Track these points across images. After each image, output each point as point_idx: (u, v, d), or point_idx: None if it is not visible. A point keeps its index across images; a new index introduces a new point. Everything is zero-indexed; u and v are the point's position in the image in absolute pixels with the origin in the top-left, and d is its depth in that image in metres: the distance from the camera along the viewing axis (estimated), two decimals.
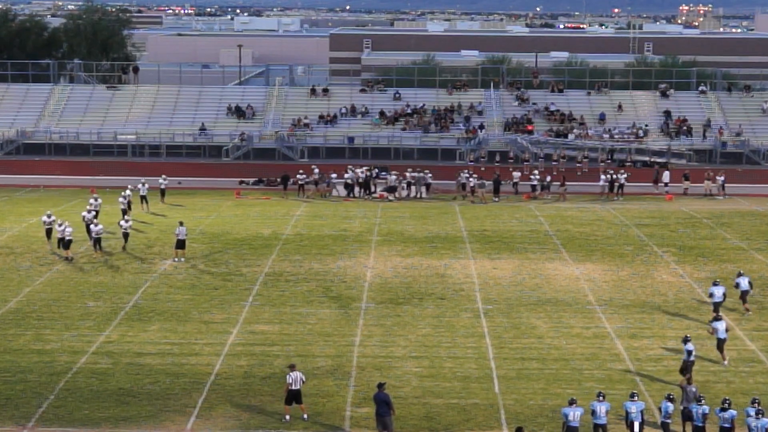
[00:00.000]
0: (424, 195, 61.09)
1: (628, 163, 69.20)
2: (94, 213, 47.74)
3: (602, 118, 75.79)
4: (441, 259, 44.38)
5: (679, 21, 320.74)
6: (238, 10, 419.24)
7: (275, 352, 31.78)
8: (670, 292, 39.24)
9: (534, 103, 77.60)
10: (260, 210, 56.79)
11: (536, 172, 62.26)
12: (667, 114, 76.01)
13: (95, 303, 37.04)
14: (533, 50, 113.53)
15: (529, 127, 73.80)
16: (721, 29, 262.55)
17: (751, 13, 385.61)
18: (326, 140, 73.67)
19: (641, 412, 24.88)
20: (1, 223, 51.59)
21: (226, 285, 39.78)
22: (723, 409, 24.61)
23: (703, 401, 25.00)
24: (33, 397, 27.93)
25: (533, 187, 60.96)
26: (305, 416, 26.55)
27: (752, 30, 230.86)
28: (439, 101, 78.17)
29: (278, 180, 63.00)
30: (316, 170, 62.52)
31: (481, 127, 74.01)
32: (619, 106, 77.18)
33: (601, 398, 25.14)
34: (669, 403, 25.18)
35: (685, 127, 74.08)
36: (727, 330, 31.56)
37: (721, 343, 31.24)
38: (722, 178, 62.35)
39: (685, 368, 28.98)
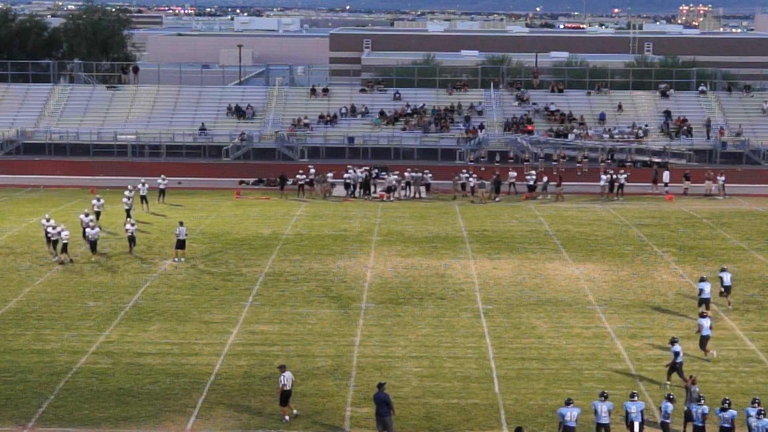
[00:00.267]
0: (423, 195, 61.07)
1: (628, 163, 69.22)
2: (91, 216, 46.99)
3: (602, 118, 75.80)
4: (441, 259, 44.38)
5: (679, 21, 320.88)
6: (238, 10, 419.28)
7: (275, 352, 31.78)
8: (670, 292, 39.24)
9: (534, 103, 77.60)
10: (260, 210, 56.80)
11: (532, 172, 62.26)
12: (667, 114, 76.02)
13: (95, 303, 37.03)
14: (533, 50, 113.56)
15: (529, 127, 73.82)
16: (721, 29, 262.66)
17: (751, 13, 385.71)
18: (326, 140, 73.68)
19: (641, 412, 24.89)
20: (1, 223, 51.59)
21: (226, 285, 39.78)
22: (723, 409, 24.62)
23: (702, 401, 25.01)
24: (33, 397, 27.93)
25: (529, 187, 60.96)
26: (296, 412, 26.61)
27: (752, 30, 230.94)
28: (439, 101, 78.17)
29: (277, 180, 62.89)
30: (312, 170, 62.44)
31: (481, 127, 74.02)
32: (619, 106, 77.19)
33: (602, 398, 25.13)
34: (669, 403, 25.18)
35: (685, 127, 74.09)
36: (710, 327, 31.78)
37: (704, 340, 31.51)
38: (722, 178, 62.36)
39: (673, 369, 29.01)
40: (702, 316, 32.29)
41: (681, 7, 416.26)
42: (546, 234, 50.30)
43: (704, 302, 35.37)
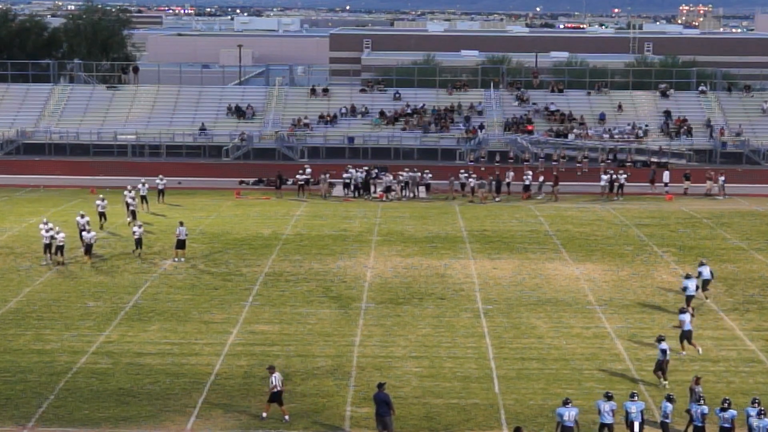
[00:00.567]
0: (422, 195, 61.03)
1: (628, 163, 69.23)
2: (88, 218, 46.61)
3: (602, 118, 75.82)
4: (441, 259, 44.38)
5: (679, 21, 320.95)
6: (238, 10, 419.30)
7: (275, 352, 31.78)
8: (670, 292, 39.22)
9: (534, 103, 77.62)
10: (260, 210, 56.79)
11: (529, 172, 62.24)
12: (667, 114, 76.04)
13: (95, 303, 37.03)
14: (533, 50, 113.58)
15: (529, 127, 73.84)
16: (721, 29, 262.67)
17: (751, 13, 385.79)
18: (326, 140, 73.71)
19: (641, 412, 24.90)
20: (1, 223, 51.58)
21: (226, 285, 39.78)
22: (723, 409, 24.61)
23: (702, 401, 25.01)
24: (33, 397, 27.93)
25: (525, 187, 60.97)
26: (287, 417, 26.54)
27: (752, 30, 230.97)
28: (439, 101, 78.19)
29: (275, 180, 62.76)
30: (309, 170, 62.33)
31: (481, 127, 74.04)
32: (619, 106, 77.20)
33: (607, 398, 25.12)
34: (668, 403, 25.18)
35: (684, 127, 74.10)
36: (691, 322, 32.10)
37: (687, 335, 31.75)
38: (722, 178, 62.37)
39: (659, 367, 29.05)
40: (682, 311, 32.57)
41: (681, 7, 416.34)
42: (546, 234, 50.30)
43: (689, 299, 35.77)
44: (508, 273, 42.06)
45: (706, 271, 37.87)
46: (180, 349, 32.00)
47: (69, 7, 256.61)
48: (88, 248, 43.11)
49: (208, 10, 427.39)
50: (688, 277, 36.63)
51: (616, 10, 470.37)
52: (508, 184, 61.68)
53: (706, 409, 24.71)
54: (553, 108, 76.64)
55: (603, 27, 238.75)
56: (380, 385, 25.77)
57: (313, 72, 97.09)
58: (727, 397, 25.23)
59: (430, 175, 61.93)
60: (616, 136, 72.89)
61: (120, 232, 49.41)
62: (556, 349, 32.23)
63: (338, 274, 41.61)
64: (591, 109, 77.24)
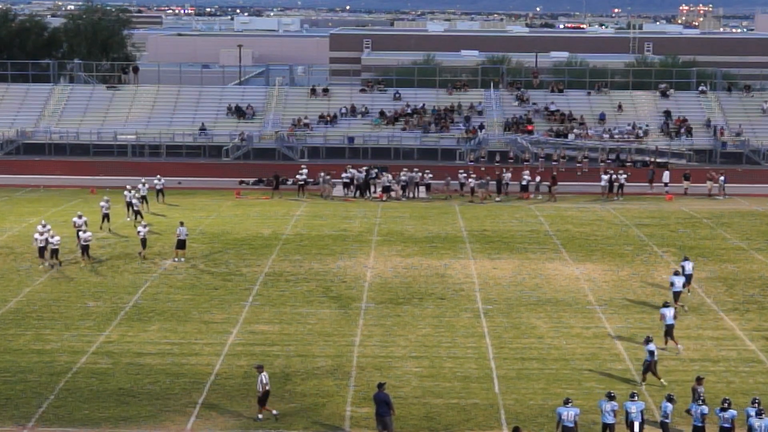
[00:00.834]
0: (422, 195, 61.02)
1: (628, 163, 69.22)
2: (85, 218, 46.16)
3: (602, 118, 75.80)
4: (441, 259, 44.37)
5: (679, 21, 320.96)
6: (238, 10, 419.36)
7: (275, 352, 31.79)
8: (670, 292, 39.14)
9: (534, 103, 77.60)
10: (260, 210, 56.80)
11: (526, 172, 62.20)
12: (667, 114, 76.02)
13: (95, 303, 37.03)
14: (533, 50, 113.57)
15: (529, 127, 73.81)
16: (721, 29, 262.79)
17: (751, 13, 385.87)
18: (326, 140, 73.67)
19: (641, 412, 24.90)
20: (1, 223, 51.58)
21: (226, 285, 39.78)
22: (723, 409, 24.61)
23: (702, 401, 25.00)
24: (33, 397, 27.93)
25: (522, 187, 60.94)
26: (275, 412, 26.63)
27: (752, 30, 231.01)
28: (439, 101, 78.17)
29: (273, 180, 62.74)
30: (305, 170, 62.21)
31: (481, 127, 74.01)
32: (619, 106, 77.18)
33: (608, 398, 25.11)
34: (668, 403, 25.18)
35: (684, 127, 74.09)
36: (675, 317, 32.27)
37: (669, 329, 31.93)
38: (722, 177, 62.37)
39: (647, 368, 29.05)
40: (665, 306, 32.72)
41: (681, 7, 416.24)
42: (546, 234, 50.30)
43: (676, 296, 36.21)
44: (508, 273, 42.06)
45: (689, 266, 38.59)
46: (180, 349, 32.00)
47: (69, 7, 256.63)
48: (85, 249, 42.90)
49: (208, 10, 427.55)
50: (676, 273, 37.15)
51: (616, 10, 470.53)
52: (506, 184, 61.65)
53: (705, 409, 24.71)
54: (553, 108, 76.62)
55: (603, 27, 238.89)
56: (380, 385, 25.78)
57: (313, 72, 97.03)
58: (727, 397, 25.23)
59: (430, 176, 61.91)
60: (616, 136, 72.87)
61: (120, 231, 49.43)
62: (556, 349, 32.23)
63: (338, 274, 41.61)
64: (591, 109, 77.21)
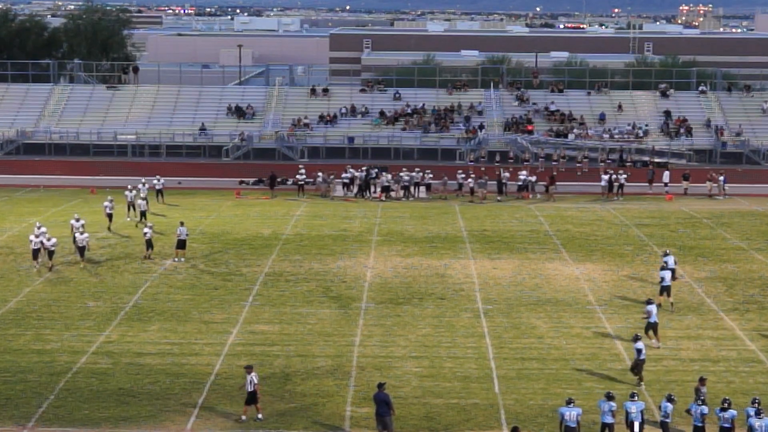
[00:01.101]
0: (422, 195, 61.03)
1: (628, 163, 69.22)
2: (82, 221, 45.64)
3: (602, 118, 75.80)
4: (441, 259, 44.38)
5: (679, 21, 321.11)
6: (238, 10, 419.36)
7: (275, 352, 31.79)
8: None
9: (534, 103, 77.60)
10: (260, 210, 56.80)
11: (524, 172, 62.17)
12: (667, 114, 76.02)
13: (95, 303, 37.03)
14: (533, 50, 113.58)
15: (529, 127, 73.81)
16: (721, 29, 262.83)
17: (751, 13, 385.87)
18: (326, 140, 73.67)
19: (641, 412, 24.91)
20: (1, 223, 51.58)
21: (226, 285, 39.78)
22: (723, 409, 24.61)
23: (701, 401, 25.00)
24: (33, 397, 27.93)
25: (519, 187, 60.92)
26: (260, 415, 26.58)
27: (752, 30, 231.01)
28: (439, 101, 78.16)
29: (270, 180, 62.66)
30: (303, 170, 62.16)
31: (481, 127, 74.01)
32: (619, 106, 77.18)
33: (607, 398, 25.12)
34: (668, 403, 25.18)
35: (684, 127, 74.09)
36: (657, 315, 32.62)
37: (653, 327, 32.12)
38: (722, 177, 62.38)
39: (636, 367, 29.07)
40: (649, 302, 32.83)
41: (681, 7, 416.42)
42: (546, 234, 50.30)
43: (665, 290, 36.50)
44: (508, 273, 42.06)
45: (671, 261, 39.07)
46: (180, 349, 32.00)
47: (69, 7, 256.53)
48: (81, 250, 42.71)
49: (208, 10, 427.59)
50: (663, 268, 37.70)
51: (616, 10, 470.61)
52: (505, 183, 61.62)
53: (705, 409, 24.72)
54: (553, 108, 76.62)
55: (603, 27, 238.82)
56: (380, 385, 25.78)
57: (313, 72, 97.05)
58: (727, 397, 25.23)
59: (431, 176, 61.90)
60: (616, 136, 72.86)
61: (120, 231, 49.43)
62: (556, 349, 32.23)
63: (338, 274, 41.61)
64: (591, 109, 77.21)
